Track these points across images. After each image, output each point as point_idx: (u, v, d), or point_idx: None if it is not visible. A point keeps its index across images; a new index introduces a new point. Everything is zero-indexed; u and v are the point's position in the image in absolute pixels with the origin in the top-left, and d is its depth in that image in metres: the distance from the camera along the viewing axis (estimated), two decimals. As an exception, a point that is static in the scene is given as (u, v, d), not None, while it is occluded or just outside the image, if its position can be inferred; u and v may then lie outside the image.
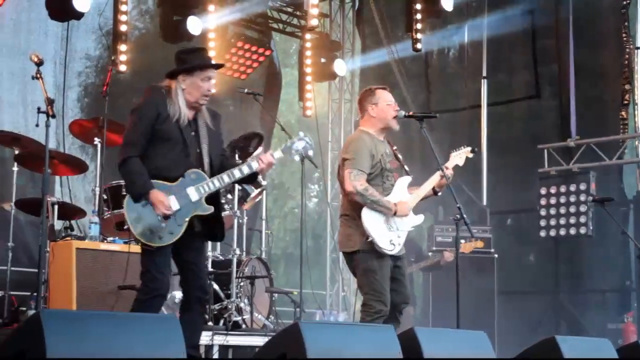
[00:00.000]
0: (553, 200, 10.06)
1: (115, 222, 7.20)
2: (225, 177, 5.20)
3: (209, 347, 6.56)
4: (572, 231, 9.91)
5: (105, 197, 7.16)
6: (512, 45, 11.57)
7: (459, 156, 6.04)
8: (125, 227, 6.04)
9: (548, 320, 9.83)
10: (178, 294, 6.90)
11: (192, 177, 5.13)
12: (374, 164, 5.71)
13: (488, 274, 9.49)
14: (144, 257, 5.01)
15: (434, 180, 5.84)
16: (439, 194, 5.95)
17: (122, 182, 6.61)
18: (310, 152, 5.39)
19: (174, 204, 5.01)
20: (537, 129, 11.19)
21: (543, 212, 10.13)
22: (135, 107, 5.09)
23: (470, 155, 6.10)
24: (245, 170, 5.18)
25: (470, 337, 5.21)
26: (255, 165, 5.19)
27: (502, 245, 10.17)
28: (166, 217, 4.97)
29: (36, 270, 5.15)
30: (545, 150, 10.31)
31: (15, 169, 7.11)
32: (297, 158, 5.42)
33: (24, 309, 6.68)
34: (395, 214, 5.65)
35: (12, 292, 6.83)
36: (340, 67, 11.11)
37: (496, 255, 9.62)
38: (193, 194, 5.10)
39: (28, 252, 8.08)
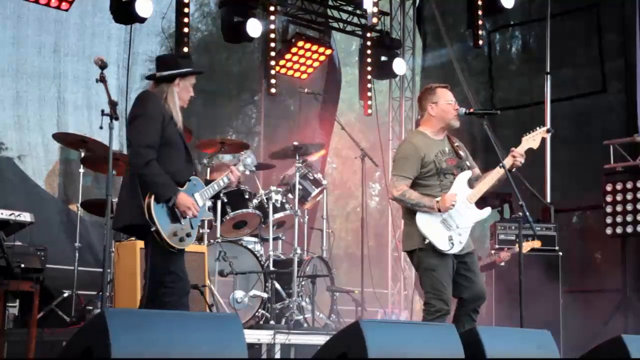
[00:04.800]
0: (619, 197, 9.85)
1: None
2: (216, 186, 5.37)
3: (271, 346, 6.60)
4: None
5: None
6: (576, 40, 11.36)
7: (533, 138, 5.75)
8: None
9: (615, 319, 9.61)
10: (238, 294, 6.97)
11: (194, 183, 5.22)
12: (426, 164, 5.63)
13: (552, 272, 9.33)
14: (164, 258, 5.04)
15: (497, 173, 5.65)
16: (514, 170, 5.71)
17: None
18: (253, 168, 5.72)
19: (198, 206, 5.11)
20: (602, 125, 10.96)
21: (609, 209, 9.93)
22: (139, 112, 5.08)
23: (547, 136, 5.89)
24: (225, 181, 5.38)
25: (534, 336, 5.13)
26: (228, 179, 5.41)
27: (567, 243, 9.99)
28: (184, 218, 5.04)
29: (102, 270, 5.23)
30: (611, 146, 10.11)
31: (81, 170, 7.25)
32: (247, 172, 5.72)
33: (91, 308, 6.82)
34: (439, 210, 5.53)
35: (79, 292, 6.98)
36: (400, 66, 11.06)
37: (560, 254, 9.47)
38: (199, 200, 5.18)
39: (94, 253, 8.23)
